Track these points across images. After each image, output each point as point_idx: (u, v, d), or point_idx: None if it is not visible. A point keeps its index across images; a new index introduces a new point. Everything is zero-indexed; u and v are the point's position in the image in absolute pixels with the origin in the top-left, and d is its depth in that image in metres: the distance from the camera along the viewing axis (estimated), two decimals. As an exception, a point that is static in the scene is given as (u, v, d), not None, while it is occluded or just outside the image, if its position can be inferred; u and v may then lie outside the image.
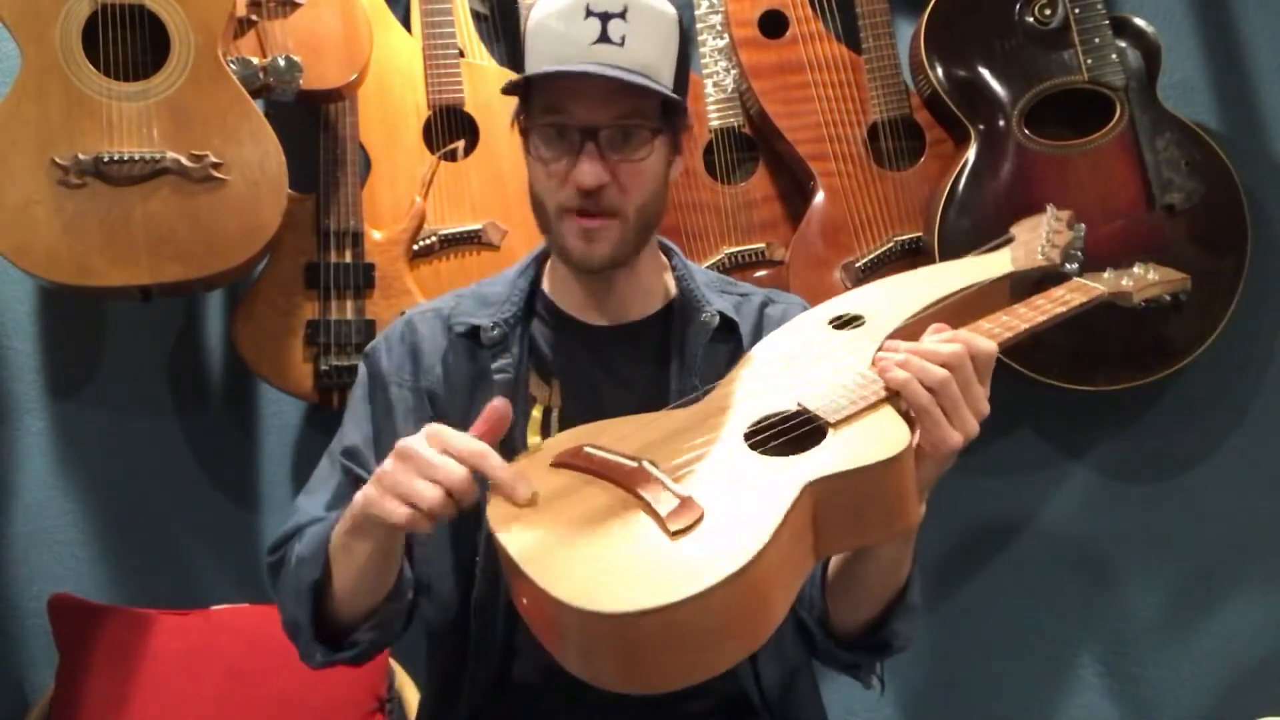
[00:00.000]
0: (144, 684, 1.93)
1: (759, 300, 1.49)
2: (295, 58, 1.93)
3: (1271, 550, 2.27)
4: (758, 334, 1.44)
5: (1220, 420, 2.27)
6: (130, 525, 2.20)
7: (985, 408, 1.20)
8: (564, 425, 1.40)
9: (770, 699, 1.41)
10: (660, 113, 1.34)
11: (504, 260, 2.03)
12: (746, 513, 1.04)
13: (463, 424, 1.40)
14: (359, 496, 1.19)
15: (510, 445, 1.39)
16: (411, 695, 2.01)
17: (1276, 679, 2.26)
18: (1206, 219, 2.06)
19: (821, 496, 1.07)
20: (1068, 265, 1.41)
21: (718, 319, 1.43)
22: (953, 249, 2.02)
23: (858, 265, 2.08)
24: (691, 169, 2.12)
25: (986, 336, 1.21)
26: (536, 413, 1.41)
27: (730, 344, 1.43)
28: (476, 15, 2.16)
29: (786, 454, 1.12)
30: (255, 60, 1.92)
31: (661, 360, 1.42)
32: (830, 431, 1.12)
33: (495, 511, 1.12)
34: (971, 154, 2.06)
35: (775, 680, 1.42)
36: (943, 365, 1.16)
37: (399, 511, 1.12)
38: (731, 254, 2.12)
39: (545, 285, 1.48)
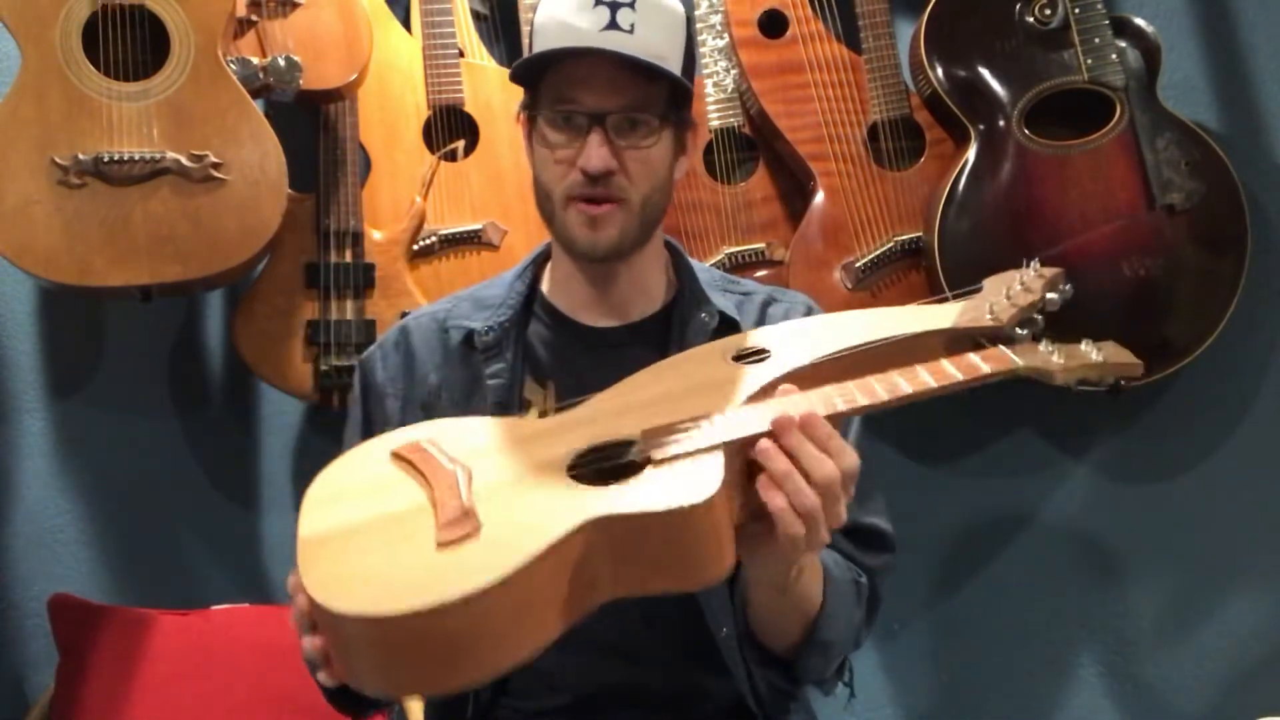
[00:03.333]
0: (144, 684, 1.93)
1: (761, 299, 1.48)
2: (295, 58, 1.93)
3: (1271, 550, 2.27)
4: None
5: (1220, 420, 2.27)
6: (130, 525, 2.20)
7: (843, 519, 1.12)
8: None
9: (766, 703, 1.40)
10: (667, 104, 1.35)
11: (504, 260, 2.03)
12: (509, 540, 1.02)
13: None
14: None
15: None
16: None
17: (1277, 679, 2.26)
18: (1206, 219, 2.06)
19: (601, 535, 1.05)
20: (1019, 330, 1.21)
21: (718, 318, 1.42)
22: (953, 249, 2.02)
23: (858, 265, 2.08)
24: (691, 169, 2.12)
25: (865, 393, 1.12)
26: (531, 417, 1.41)
27: None
28: (476, 15, 2.16)
29: (603, 483, 1.09)
30: (255, 60, 1.92)
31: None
32: (649, 468, 1.09)
33: (311, 491, 1.13)
34: (971, 154, 2.06)
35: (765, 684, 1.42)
36: (817, 488, 1.08)
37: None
38: (731, 254, 2.12)
39: (544, 286, 1.48)
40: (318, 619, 1.05)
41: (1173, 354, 2.07)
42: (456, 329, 1.45)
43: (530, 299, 1.47)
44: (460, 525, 1.04)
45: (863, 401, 1.12)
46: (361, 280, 2.04)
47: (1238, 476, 2.27)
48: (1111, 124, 2.06)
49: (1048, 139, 2.06)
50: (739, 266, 2.11)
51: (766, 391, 1.16)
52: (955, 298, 1.28)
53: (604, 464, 1.12)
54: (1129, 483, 2.28)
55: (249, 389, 2.22)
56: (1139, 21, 2.10)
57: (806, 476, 1.07)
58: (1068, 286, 1.27)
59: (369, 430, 1.47)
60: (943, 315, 1.25)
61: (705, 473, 1.07)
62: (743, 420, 1.11)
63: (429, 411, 1.43)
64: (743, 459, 1.10)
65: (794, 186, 2.16)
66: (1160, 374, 2.07)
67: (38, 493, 2.19)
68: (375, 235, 2.05)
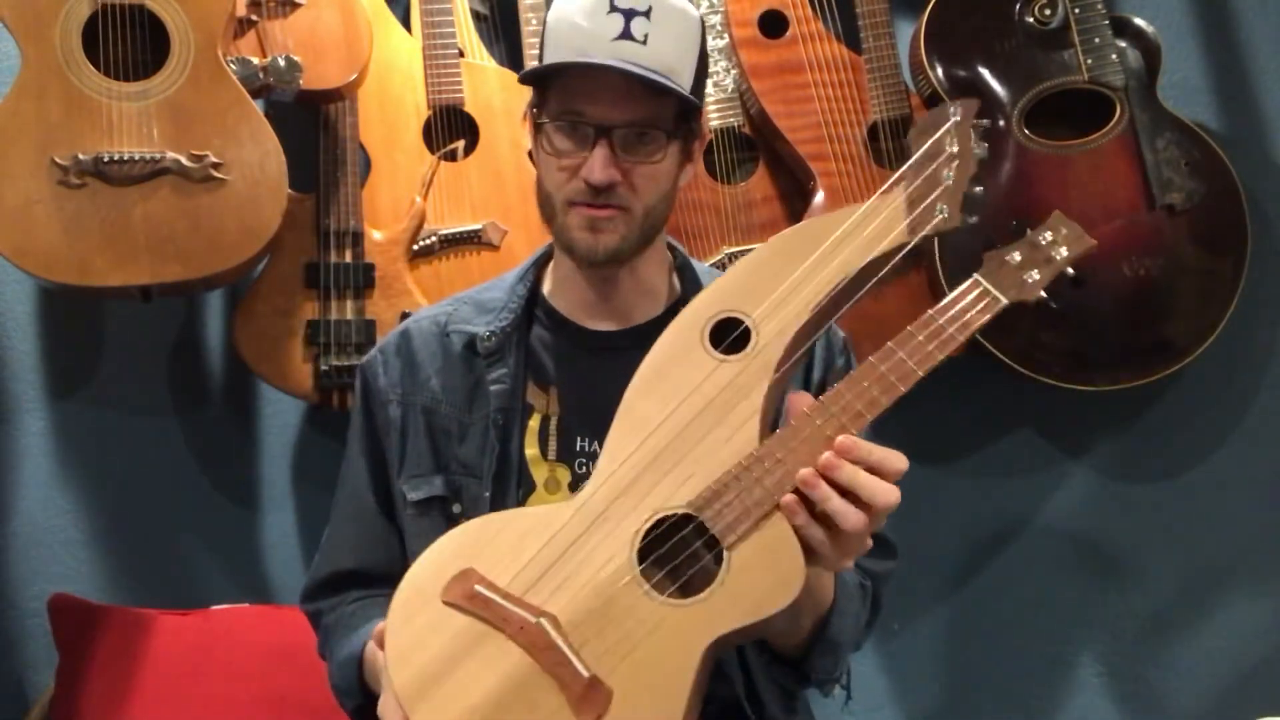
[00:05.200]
0: (144, 684, 1.93)
1: None
2: (295, 58, 1.93)
3: (1272, 550, 2.27)
4: None
5: (1220, 420, 2.27)
6: (130, 525, 2.20)
7: (882, 522, 1.14)
8: (562, 433, 1.40)
9: (767, 704, 1.40)
10: (676, 117, 1.34)
11: (504, 260, 2.03)
12: (651, 699, 1.05)
13: (460, 436, 1.40)
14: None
15: (506, 458, 1.39)
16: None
17: (1276, 679, 2.26)
18: (1206, 219, 2.06)
19: (715, 649, 1.09)
20: (970, 218, 1.21)
21: None
22: (953, 249, 2.02)
23: (858, 265, 2.08)
24: (691, 169, 2.12)
25: (885, 391, 1.13)
26: (534, 422, 1.41)
27: None
28: (476, 15, 2.16)
29: (682, 569, 1.11)
30: (255, 60, 1.92)
31: None
32: (726, 554, 1.10)
33: (402, 683, 1.12)
34: (971, 154, 2.06)
35: (768, 686, 1.42)
36: (878, 513, 1.11)
37: None
38: (731, 254, 2.12)
39: (545, 289, 1.47)
40: None
41: (1173, 354, 2.07)
42: (458, 334, 1.45)
43: (532, 302, 1.47)
44: (593, 701, 1.06)
45: (886, 403, 1.14)
46: (361, 280, 2.04)
47: (1237, 476, 2.27)
48: (1111, 124, 2.06)
49: (1048, 139, 2.06)
50: (739, 266, 2.11)
51: (776, 392, 1.16)
52: (890, 188, 1.23)
53: (672, 551, 1.13)
54: (1129, 483, 2.28)
55: (249, 389, 2.22)
56: (1139, 21, 2.10)
57: (869, 505, 1.10)
58: (984, 121, 1.24)
59: (373, 436, 1.47)
60: (892, 223, 1.21)
61: (787, 554, 1.09)
62: (785, 468, 1.11)
63: (430, 416, 1.43)
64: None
65: (794, 186, 2.16)
66: (1160, 374, 2.07)
67: (38, 493, 2.19)
68: (375, 235, 2.05)
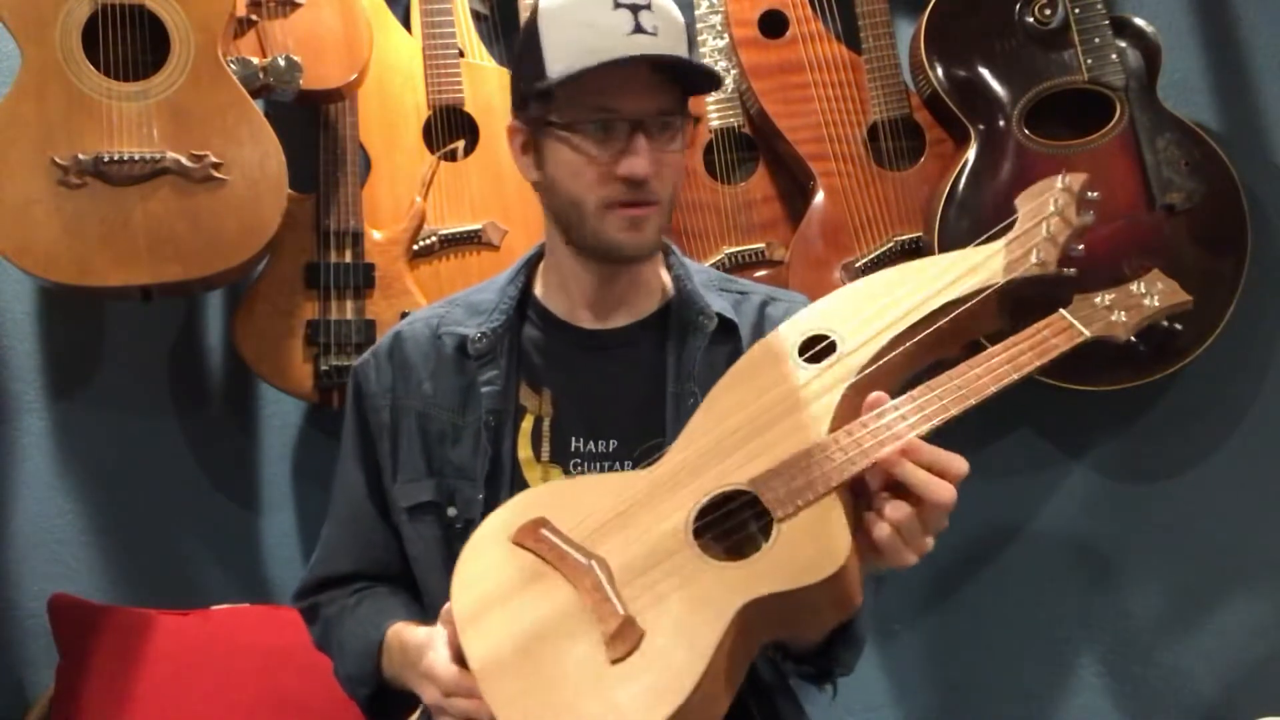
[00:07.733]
0: (144, 684, 1.93)
1: (759, 299, 1.47)
2: (295, 58, 1.93)
3: (1271, 550, 2.27)
4: (758, 334, 1.42)
5: (1220, 420, 2.27)
6: (130, 525, 2.20)
7: (944, 524, 1.18)
8: (555, 434, 1.40)
9: (770, 700, 1.40)
10: (684, 103, 1.36)
11: (504, 260, 2.03)
12: (680, 644, 1.08)
13: (454, 439, 1.40)
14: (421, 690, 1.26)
15: (499, 461, 1.39)
16: (411, 695, 2.01)
17: (1276, 679, 2.26)
18: (1206, 219, 2.06)
19: (754, 613, 1.10)
20: (1066, 271, 1.27)
21: (715, 322, 1.41)
22: (953, 249, 2.01)
23: (858, 265, 2.08)
24: (691, 169, 2.12)
25: (955, 401, 1.18)
26: (526, 424, 1.40)
27: (729, 345, 1.42)
28: (476, 15, 2.16)
29: (735, 543, 1.14)
30: (255, 60, 1.92)
31: (658, 364, 1.41)
32: (775, 528, 1.12)
33: (460, 606, 1.17)
34: (971, 154, 2.06)
35: (773, 684, 1.42)
36: (939, 508, 1.16)
37: None
38: (731, 254, 2.12)
39: (537, 289, 1.47)
40: None
41: (1173, 354, 2.07)
42: (449, 335, 1.44)
43: (524, 303, 1.46)
44: (625, 638, 1.09)
45: (955, 411, 1.18)
46: (361, 280, 2.04)
47: (1238, 477, 2.27)
48: (1111, 124, 2.06)
49: (1048, 139, 2.06)
50: (739, 266, 2.11)
51: (853, 402, 1.19)
52: (981, 243, 1.32)
53: (726, 524, 1.16)
54: (1129, 483, 2.28)
55: (249, 389, 2.22)
56: (1139, 21, 2.10)
57: (935, 502, 1.14)
58: (1094, 193, 1.31)
59: (365, 438, 1.47)
60: (989, 266, 1.28)
61: (834, 531, 1.12)
62: (848, 457, 1.15)
63: (423, 420, 1.43)
64: (849, 486, 1.15)
65: (794, 186, 2.17)
66: (1160, 374, 2.07)
67: (38, 493, 2.19)
68: (375, 235, 2.05)
